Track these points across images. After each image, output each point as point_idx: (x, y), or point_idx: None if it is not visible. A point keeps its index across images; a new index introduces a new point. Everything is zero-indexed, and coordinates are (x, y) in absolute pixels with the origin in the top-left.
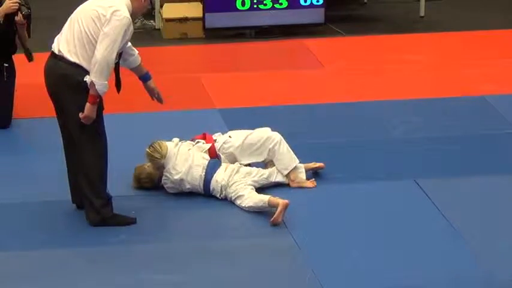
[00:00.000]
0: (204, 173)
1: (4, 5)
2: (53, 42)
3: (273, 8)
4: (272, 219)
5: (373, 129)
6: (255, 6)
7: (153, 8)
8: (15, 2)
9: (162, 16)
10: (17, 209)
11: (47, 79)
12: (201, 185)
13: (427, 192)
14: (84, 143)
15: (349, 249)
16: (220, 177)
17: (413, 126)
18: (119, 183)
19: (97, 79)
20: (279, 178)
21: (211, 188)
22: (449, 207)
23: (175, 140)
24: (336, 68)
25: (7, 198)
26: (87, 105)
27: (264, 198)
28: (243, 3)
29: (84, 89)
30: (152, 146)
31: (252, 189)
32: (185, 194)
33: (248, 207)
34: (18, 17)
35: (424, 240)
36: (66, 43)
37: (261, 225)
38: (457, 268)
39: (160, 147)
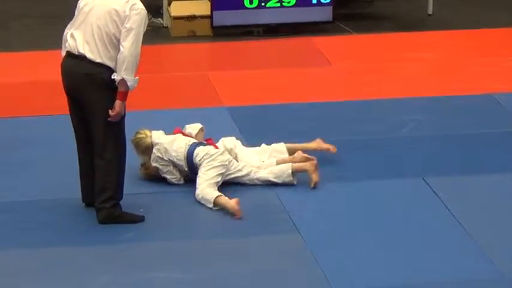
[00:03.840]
0: (190, 143)
1: None
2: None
3: (281, 6)
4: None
5: (381, 127)
6: (263, 4)
7: (161, 6)
8: None
9: (170, 14)
10: (27, 207)
11: (67, 79)
12: (185, 153)
13: (435, 190)
14: (107, 141)
15: (357, 248)
16: (206, 148)
17: (421, 124)
18: (126, 181)
19: (128, 75)
20: (264, 175)
21: (194, 153)
22: (458, 206)
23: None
24: (344, 66)
25: (17, 196)
26: (118, 102)
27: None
28: (251, 1)
29: (108, 87)
30: (134, 135)
31: (208, 185)
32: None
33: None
34: None
35: (432, 238)
36: (86, 44)
37: (269, 224)
38: (465, 266)
39: (143, 130)
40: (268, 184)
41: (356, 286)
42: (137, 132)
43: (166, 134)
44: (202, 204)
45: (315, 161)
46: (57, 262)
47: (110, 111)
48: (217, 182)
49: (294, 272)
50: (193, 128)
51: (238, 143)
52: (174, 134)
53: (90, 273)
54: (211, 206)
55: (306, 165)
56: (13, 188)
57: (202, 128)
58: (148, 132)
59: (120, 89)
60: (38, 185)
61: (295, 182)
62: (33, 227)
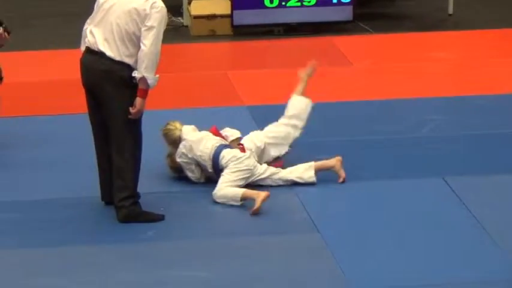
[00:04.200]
0: (217, 145)
1: None
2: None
3: (301, 5)
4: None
5: (401, 127)
6: (283, 3)
7: (181, 5)
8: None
9: (190, 13)
10: (47, 205)
11: (86, 74)
12: (211, 154)
13: (455, 190)
14: (125, 139)
15: (376, 247)
16: (233, 151)
17: (442, 124)
18: (147, 180)
19: (148, 73)
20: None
21: (220, 156)
22: (478, 206)
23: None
24: (364, 66)
25: (37, 194)
26: (138, 99)
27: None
28: (272, 1)
29: (127, 84)
30: (165, 125)
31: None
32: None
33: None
34: (4, 37)
35: (452, 238)
36: (105, 42)
37: (288, 223)
38: (484, 267)
39: (174, 122)
40: (289, 184)
41: (376, 286)
42: (168, 124)
43: (199, 130)
44: (222, 203)
45: (340, 158)
46: (77, 261)
47: (130, 108)
48: (239, 186)
49: (314, 272)
50: (232, 133)
51: (264, 138)
52: (210, 131)
53: (111, 272)
54: (235, 202)
55: (331, 161)
56: (33, 186)
57: (239, 138)
58: (178, 125)
59: (141, 86)
60: (57, 183)
61: (315, 180)
62: (53, 225)
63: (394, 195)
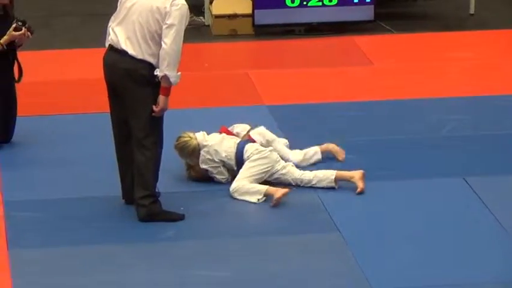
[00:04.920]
0: (238, 142)
1: (10, 35)
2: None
3: (322, 5)
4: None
5: (421, 127)
6: (305, 3)
7: (202, 5)
8: (22, 33)
9: (211, 12)
10: (67, 204)
11: (108, 72)
12: (235, 152)
13: (476, 190)
14: (147, 138)
15: (396, 247)
16: (256, 145)
17: (463, 123)
18: (167, 179)
19: (170, 71)
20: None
21: (244, 150)
22: (499, 206)
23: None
24: (385, 66)
25: (57, 193)
26: (161, 97)
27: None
28: (293, 0)
29: (149, 83)
30: (178, 139)
31: (249, 181)
32: None
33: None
34: (26, 36)
35: (473, 238)
36: (128, 40)
37: (309, 223)
38: (505, 268)
39: (186, 133)
40: (307, 186)
41: (395, 285)
42: (180, 137)
43: (208, 133)
44: (242, 202)
45: (362, 171)
46: (97, 260)
47: (154, 106)
48: (258, 179)
49: (334, 272)
50: (242, 128)
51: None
52: (220, 132)
53: (130, 271)
54: (254, 199)
55: (353, 172)
56: (53, 185)
57: (250, 129)
58: (192, 135)
59: (163, 84)
60: (78, 182)
61: (336, 187)
62: (73, 224)
63: (414, 195)
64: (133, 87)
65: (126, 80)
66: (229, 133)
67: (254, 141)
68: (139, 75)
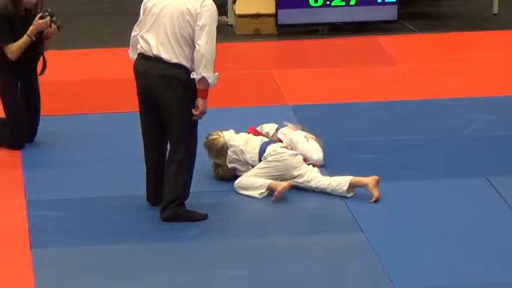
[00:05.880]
0: (261, 143)
1: (35, 24)
2: None
3: (346, 4)
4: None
5: (445, 127)
6: (328, 2)
7: (226, 4)
8: (45, 21)
9: (234, 12)
10: (91, 204)
11: (142, 80)
12: (258, 153)
13: (499, 190)
14: (181, 141)
15: (419, 247)
16: (276, 145)
17: (486, 123)
18: (194, 178)
19: (207, 73)
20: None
21: (266, 152)
22: None
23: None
24: (408, 66)
25: (80, 193)
26: (200, 100)
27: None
28: (316, 0)
29: (184, 88)
30: (207, 137)
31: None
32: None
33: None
34: (53, 29)
35: (496, 239)
36: (161, 45)
37: (332, 223)
38: None
39: (215, 131)
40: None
41: (418, 286)
42: (209, 134)
43: (236, 132)
44: (264, 203)
45: (376, 177)
46: (119, 260)
47: (193, 110)
48: (265, 177)
49: (357, 271)
50: (271, 127)
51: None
52: (248, 133)
53: (152, 271)
54: (261, 191)
55: (367, 179)
56: (76, 184)
57: (277, 128)
58: (220, 133)
59: (201, 86)
60: (102, 182)
61: (348, 196)
62: (95, 224)
63: (438, 195)
64: (170, 93)
65: (162, 87)
66: (258, 133)
67: (281, 141)
68: (176, 80)
